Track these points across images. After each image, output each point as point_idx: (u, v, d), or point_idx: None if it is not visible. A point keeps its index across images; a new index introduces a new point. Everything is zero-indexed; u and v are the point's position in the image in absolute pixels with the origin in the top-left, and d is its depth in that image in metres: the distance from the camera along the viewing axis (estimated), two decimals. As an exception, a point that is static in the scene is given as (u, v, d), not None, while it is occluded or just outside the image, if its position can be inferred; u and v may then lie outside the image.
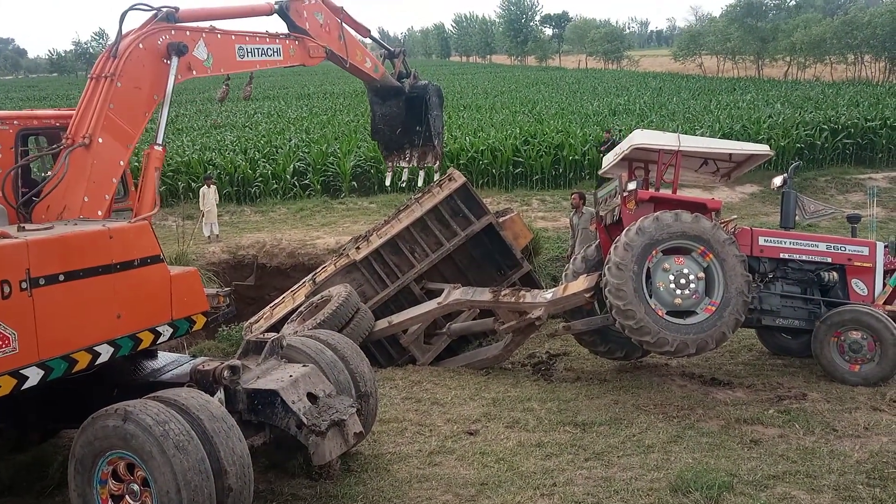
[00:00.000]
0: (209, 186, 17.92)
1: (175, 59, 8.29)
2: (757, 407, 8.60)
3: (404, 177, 12.81)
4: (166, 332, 6.52)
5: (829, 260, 9.97)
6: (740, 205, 20.06)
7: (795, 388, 9.24)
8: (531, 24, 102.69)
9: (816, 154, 23.96)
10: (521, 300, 10.38)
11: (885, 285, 9.95)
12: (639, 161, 10.57)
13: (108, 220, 6.99)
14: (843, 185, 22.24)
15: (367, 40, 12.09)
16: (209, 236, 17.26)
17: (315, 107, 43.42)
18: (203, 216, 17.48)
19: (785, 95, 36.72)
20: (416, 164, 12.55)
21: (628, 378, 10.00)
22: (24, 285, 5.43)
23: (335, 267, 12.05)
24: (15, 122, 8.66)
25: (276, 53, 9.97)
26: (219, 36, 9.08)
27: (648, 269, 8.90)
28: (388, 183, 13.85)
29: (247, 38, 9.50)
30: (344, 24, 11.02)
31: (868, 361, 9.28)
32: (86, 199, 7.54)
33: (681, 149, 9.65)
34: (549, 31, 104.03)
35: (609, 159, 10.71)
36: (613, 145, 21.15)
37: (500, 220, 12.74)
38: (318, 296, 11.32)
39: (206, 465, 5.39)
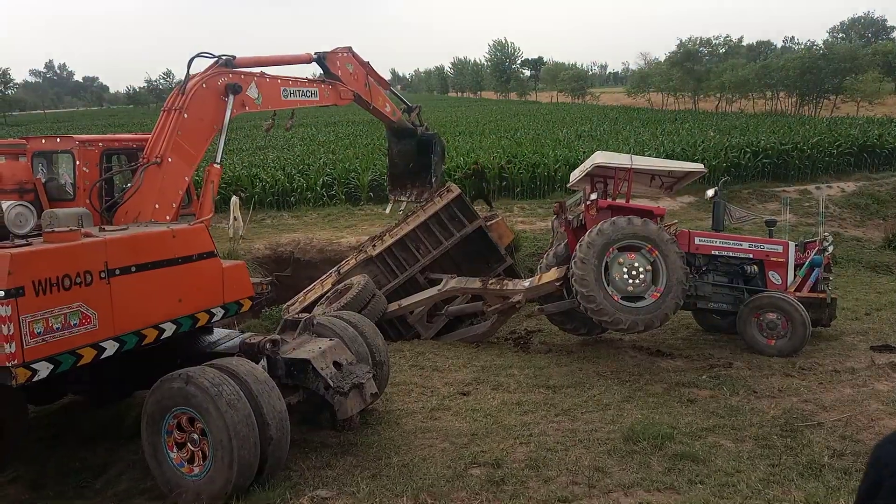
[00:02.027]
0: (238, 196, 17.85)
1: (231, 97, 8.31)
2: (693, 373, 8.60)
3: (402, 207, 12.97)
4: (219, 312, 6.51)
5: (751, 256, 9.96)
6: (680, 212, 20.02)
7: (723, 358, 9.24)
8: (513, 66, 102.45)
9: (741, 171, 23.90)
10: (504, 287, 10.36)
11: (795, 276, 9.94)
12: (599, 176, 10.54)
13: (173, 223, 6.98)
14: (762, 196, 22.21)
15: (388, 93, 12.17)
16: (233, 237, 17.06)
17: (340, 132, 43.26)
18: (234, 222, 17.36)
19: (716, 124, 36.66)
20: (413, 199, 12.68)
21: (590, 350, 9.99)
22: (102, 275, 5.42)
23: (356, 260, 12.01)
24: (100, 143, 8.64)
25: (313, 95, 9.99)
26: (267, 79, 9.09)
27: (606, 262, 8.88)
28: (387, 211, 13.93)
29: (290, 82, 9.51)
30: (369, 76, 11.08)
31: (782, 337, 9.27)
32: (156, 207, 7.54)
33: (633, 167, 9.63)
34: (527, 73, 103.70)
35: (575, 175, 10.68)
36: (480, 173, 20.55)
37: (488, 223, 12.69)
38: (342, 283, 11.28)
39: (252, 419, 5.38)
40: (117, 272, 5.51)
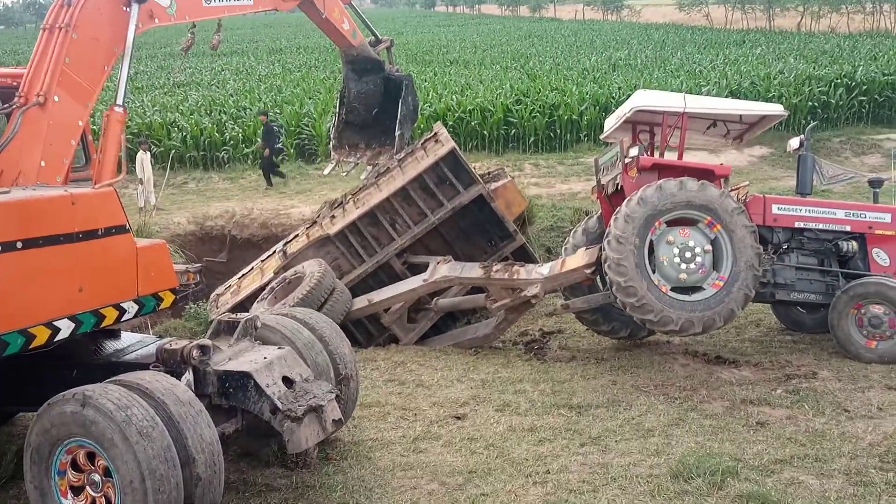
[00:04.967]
0: (145, 152, 17.77)
1: (135, 6, 8.22)
2: (764, 387, 8.68)
3: (347, 168, 13.04)
4: (132, 308, 6.51)
5: (849, 228, 9.94)
6: (749, 168, 20.12)
7: (805, 366, 9.31)
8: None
9: (831, 113, 23.98)
10: (514, 276, 10.35)
11: None
12: (642, 124, 10.54)
13: (70, 186, 6.96)
14: (858, 146, 22.29)
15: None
16: (143, 207, 17.06)
17: (288, 62, 43.01)
18: (142, 185, 17.34)
19: (798, 49, 36.68)
20: (365, 162, 12.67)
21: (627, 357, 10.07)
22: (-25, 253, 5.41)
23: (307, 238, 11.94)
24: (-42, 81, 8.58)
25: None
26: None
27: (651, 241, 8.88)
28: (325, 172, 14.00)
29: None
30: None
31: (887, 339, 9.30)
32: (42, 164, 7.50)
33: (686, 110, 9.61)
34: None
35: (611, 122, 10.69)
36: (271, 131, 20.19)
37: (492, 186, 12.63)
38: (291, 270, 11.25)
39: (172, 453, 5.39)
40: (-2, 248, 5.50)
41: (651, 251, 8.91)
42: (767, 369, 9.34)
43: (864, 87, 24.45)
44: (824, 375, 8.95)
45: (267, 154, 20.03)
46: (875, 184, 10.66)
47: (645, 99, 9.87)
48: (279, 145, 21.14)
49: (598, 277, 10.02)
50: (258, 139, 21.01)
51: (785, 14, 61.26)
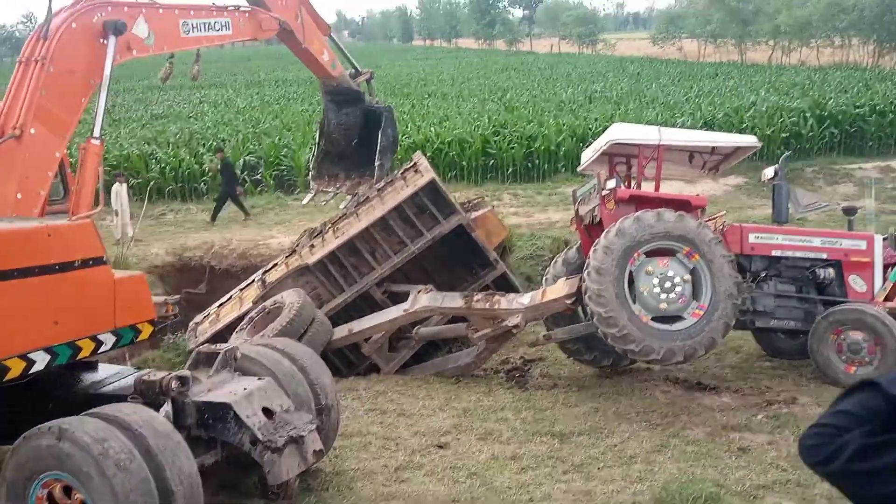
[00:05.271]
0: (121, 184, 17.69)
1: (112, 39, 8.18)
2: (745, 412, 8.71)
3: (327, 198, 13.13)
4: (108, 340, 6.45)
5: (825, 256, 10.02)
6: (725, 198, 20.31)
7: (785, 391, 9.37)
8: (499, 4, 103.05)
9: (803, 143, 24.34)
10: (495, 306, 10.34)
11: (885, 280, 9.99)
12: (619, 156, 10.62)
13: (47, 218, 6.92)
14: (831, 175, 22.61)
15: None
16: (120, 239, 16.93)
17: (266, 95, 43.15)
18: (119, 217, 17.24)
19: (770, 81, 37.29)
20: (345, 192, 12.72)
21: (609, 384, 10.07)
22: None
23: (287, 267, 11.88)
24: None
25: (224, 28, 9.87)
26: (160, 11, 8.98)
27: (631, 272, 8.91)
28: (304, 202, 14.07)
29: (192, 12, 9.39)
30: (302, 6, 11.10)
31: (865, 364, 9.34)
32: (19, 196, 7.44)
33: (662, 143, 9.70)
34: (518, 13, 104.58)
35: (588, 155, 10.76)
36: (228, 167, 20.29)
37: (473, 216, 12.60)
38: (271, 300, 11.16)
39: (150, 486, 5.32)
40: (-30, 282, 5.45)
41: (631, 282, 8.93)
42: (748, 395, 9.39)
43: (838, 118, 24.87)
44: (804, 401, 9.00)
45: (224, 187, 20.05)
46: (849, 212, 10.80)
47: (621, 132, 9.97)
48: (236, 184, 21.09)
49: (579, 307, 10.03)
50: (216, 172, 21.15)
51: (756, 48, 62.45)
